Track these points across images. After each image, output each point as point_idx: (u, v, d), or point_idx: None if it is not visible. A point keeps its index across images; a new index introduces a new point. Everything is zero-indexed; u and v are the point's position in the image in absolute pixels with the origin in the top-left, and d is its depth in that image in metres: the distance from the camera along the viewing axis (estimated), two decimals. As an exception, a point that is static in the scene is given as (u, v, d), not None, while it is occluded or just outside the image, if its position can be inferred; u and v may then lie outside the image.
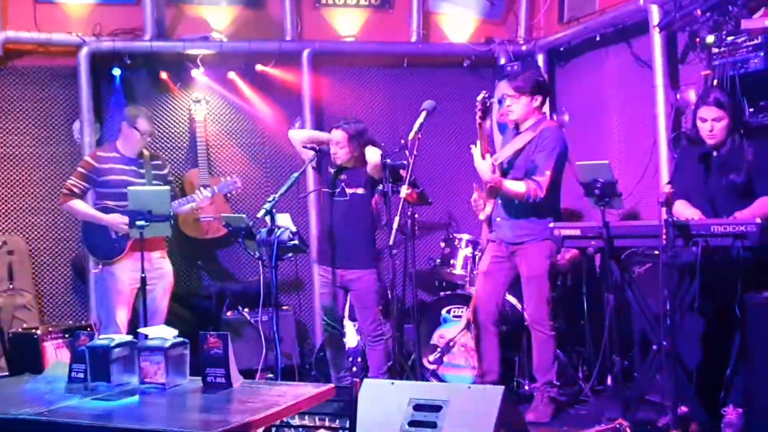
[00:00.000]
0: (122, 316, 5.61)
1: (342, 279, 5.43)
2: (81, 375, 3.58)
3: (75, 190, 5.65)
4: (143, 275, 5.26)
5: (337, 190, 5.41)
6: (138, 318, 5.62)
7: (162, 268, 5.75)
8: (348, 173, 5.43)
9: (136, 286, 5.56)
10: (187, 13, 6.89)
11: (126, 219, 5.47)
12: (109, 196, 5.64)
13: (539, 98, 5.14)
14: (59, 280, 6.67)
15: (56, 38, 6.45)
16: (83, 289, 6.57)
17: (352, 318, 5.82)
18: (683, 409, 4.41)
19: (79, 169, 5.72)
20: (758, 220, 4.06)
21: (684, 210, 4.51)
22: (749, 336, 4.29)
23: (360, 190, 5.38)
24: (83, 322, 6.26)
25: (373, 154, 5.24)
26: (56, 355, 5.73)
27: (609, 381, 5.64)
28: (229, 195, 6.46)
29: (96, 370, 3.49)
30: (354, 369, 5.77)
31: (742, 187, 4.51)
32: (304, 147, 5.49)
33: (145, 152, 5.83)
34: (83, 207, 5.66)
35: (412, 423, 3.53)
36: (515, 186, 5.01)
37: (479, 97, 4.84)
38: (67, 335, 5.78)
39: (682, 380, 4.30)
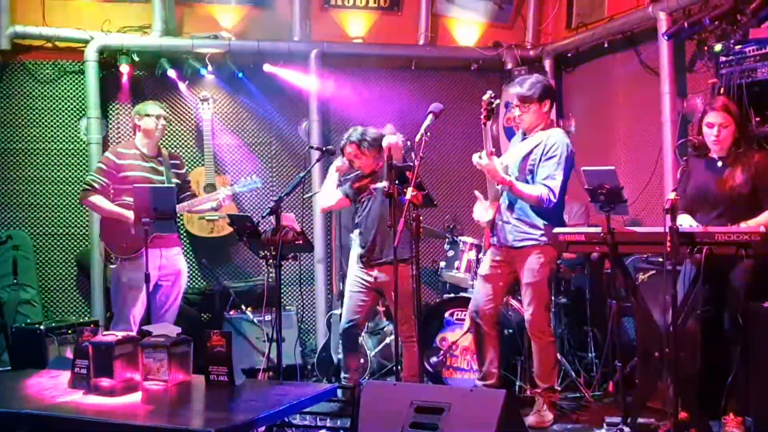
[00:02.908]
0: (136, 313, 5.61)
1: (377, 280, 5.41)
2: (84, 371, 3.60)
3: (95, 185, 5.63)
4: (147, 272, 5.25)
5: (365, 193, 5.39)
6: (150, 315, 5.63)
7: (176, 264, 5.75)
8: (371, 177, 5.42)
9: (153, 283, 5.56)
10: (196, 12, 6.92)
11: None
12: (128, 193, 5.64)
13: (548, 103, 5.11)
14: (63, 275, 6.69)
15: (64, 34, 6.46)
16: (87, 286, 6.58)
17: None
18: (684, 415, 4.41)
19: (99, 164, 5.71)
20: (762, 229, 4.05)
21: (684, 222, 4.51)
22: (751, 345, 4.30)
23: (383, 184, 5.32)
24: (87, 318, 6.27)
25: (391, 139, 5.24)
26: (59, 351, 5.75)
27: (610, 387, 5.64)
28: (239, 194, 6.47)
29: (99, 366, 3.51)
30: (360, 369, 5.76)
31: (747, 197, 4.51)
32: (311, 148, 5.50)
33: (164, 151, 5.84)
34: (104, 203, 5.65)
35: (414, 425, 3.52)
36: (529, 189, 4.97)
37: (485, 97, 4.82)
38: (70, 331, 5.80)
39: (683, 387, 4.29)
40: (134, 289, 5.60)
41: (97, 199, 5.63)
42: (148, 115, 5.67)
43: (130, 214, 5.54)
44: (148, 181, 5.54)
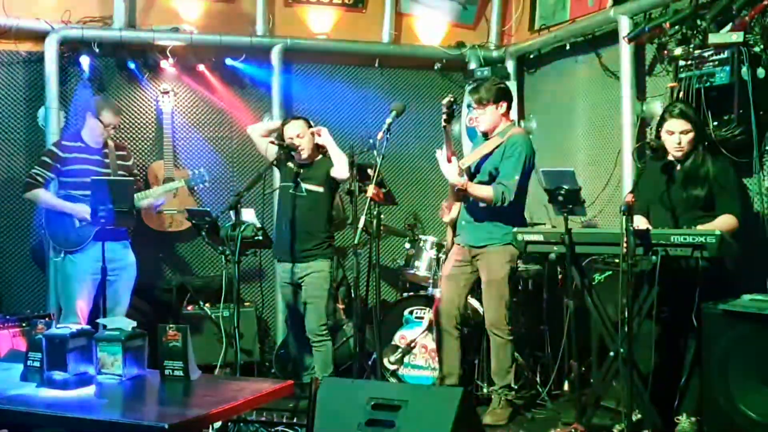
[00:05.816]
0: (82, 306, 5.57)
1: (297, 275, 5.44)
2: (37, 363, 3.54)
3: (39, 179, 5.61)
4: (104, 265, 5.22)
5: (295, 185, 5.41)
6: (98, 309, 5.57)
7: (124, 258, 5.71)
8: (306, 169, 5.44)
9: (98, 276, 5.52)
10: (158, 4, 6.83)
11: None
12: (72, 186, 5.60)
13: (504, 104, 5.20)
14: (18, 268, 6.57)
15: (24, 24, 6.35)
16: (42, 278, 6.48)
17: None
18: (637, 415, 4.46)
19: (43, 158, 5.69)
20: (717, 231, 4.11)
21: (640, 225, 4.55)
22: (704, 346, 4.35)
23: (320, 189, 5.39)
24: (41, 311, 6.18)
25: (339, 163, 5.29)
26: (12, 344, 5.66)
27: (566, 386, 5.69)
28: (195, 188, 6.43)
29: (52, 359, 3.45)
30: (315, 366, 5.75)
31: (703, 201, 4.57)
32: (272, 143, 5.49)
33: (110, 142, 5.79)
34: (47, 196, 5.62)
35: (370, 422, 3.52)
36: (483, 190, 5.05)
37: (444, 101, 4.87)
38: (24, 324, 5.71)
39: (637, 387, 4.35)
40: (80, 282, 5.56)
41: (42, 193, 5.60)
42: (100, 121, 5.64)
43: (75, 207, 5.51)
44: (93, 174, 5.51)
